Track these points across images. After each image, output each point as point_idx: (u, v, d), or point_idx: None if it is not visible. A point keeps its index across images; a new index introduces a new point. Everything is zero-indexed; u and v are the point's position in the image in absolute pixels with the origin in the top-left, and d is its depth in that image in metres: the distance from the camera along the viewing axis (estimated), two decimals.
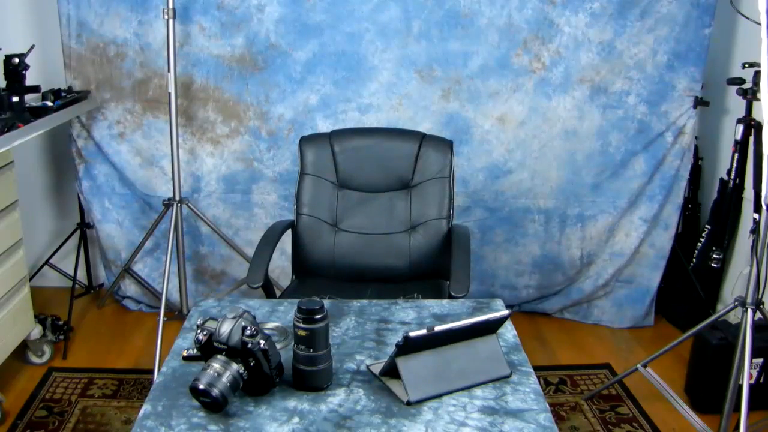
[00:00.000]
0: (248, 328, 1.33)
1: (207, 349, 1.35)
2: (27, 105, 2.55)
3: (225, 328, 1.33)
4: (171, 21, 2.68)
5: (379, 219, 2.38)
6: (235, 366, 1.33)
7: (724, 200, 3.03)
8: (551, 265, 3.22)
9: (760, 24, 1.87)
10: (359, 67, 2.95)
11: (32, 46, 2.62)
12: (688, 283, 3.12)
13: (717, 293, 3.13)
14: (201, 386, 1.29)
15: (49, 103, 2.64)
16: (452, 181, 2.35)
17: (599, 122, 3.01)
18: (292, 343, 1.41)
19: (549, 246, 3.19)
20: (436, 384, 1.40)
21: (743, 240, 2.98)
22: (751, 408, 2.08)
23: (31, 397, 2.55)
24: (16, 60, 2.52)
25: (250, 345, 1.32)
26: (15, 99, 2.45)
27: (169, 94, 2.77)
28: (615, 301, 3.24)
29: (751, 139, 2.82)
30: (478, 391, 1.42)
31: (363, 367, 1.50)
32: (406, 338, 1.35)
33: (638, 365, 2.54)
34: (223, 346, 1.33)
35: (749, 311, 2.14)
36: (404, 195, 2.39)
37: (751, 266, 2.14)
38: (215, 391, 1.29)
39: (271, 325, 1.66)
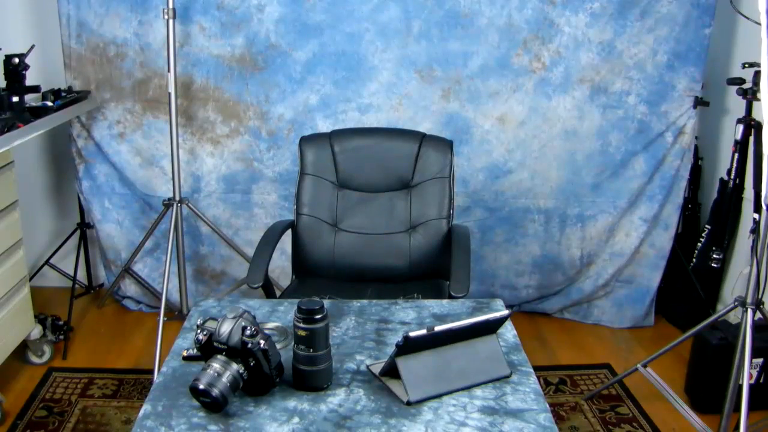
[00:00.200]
0: (248, 328, 1.33)
1: (207, 349, 1.35)
2: (27, 105, 2.55)
3: (225, 328, 1.33)
4: (171, 21, 2.68)
5: (379, 219, 2.38)
6: (235, 366, 1.33)
7: (724, 200, 3.03)
8: (551, 265, 3.22)
9: (760, 24, 1.87)
10: (359, 67, 2.95)
11: (32, 46, 2.62)
12: (688, 283, 3.12)
13: (717, 293, 3.12)
14: (201, 386, 1.29)
15: (49, 103, 2.64)
16: (452, 181, 2.35)
17: (599, 122, 3.01)
18: (292, 343, 1.41)
19: (549, 246, 3.19)
20: (436, 384, 1.40)
21: (743, 240, 2.98)
22: (751, 408, 2.08)
23: (31, 397, 2.55)
24: (16, 60, 2.52)
25: (250, 345, 1.32)
26: (15, 99, 2.45)
27: (169, 94, 2.77)
28: (615, 301, 3.24)
29: (751, 139, 2.82)
30: (478, 391, 1.42)
31: (363, 367, 1.50)
32: (406, 338, 1.35)
33: (638, 365, 2.54)
34: (223, 346, 1.33)
35: (749, 311, 2.14)
36: (404, 195, 2.39)
37: (751, 266, 2.14)
38: (215, 391, 1.29)
39: (271, 325, 1.66)
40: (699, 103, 2.97)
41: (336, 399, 1.39)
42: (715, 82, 3.06)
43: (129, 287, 3.28)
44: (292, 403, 1.37)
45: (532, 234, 3.18)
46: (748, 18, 2.65)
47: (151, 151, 3.08)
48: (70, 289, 3.12)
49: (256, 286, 2.01)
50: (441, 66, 2.95)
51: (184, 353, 1.51)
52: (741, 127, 2.85)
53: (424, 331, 1.37)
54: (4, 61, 2.54)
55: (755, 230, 2.14)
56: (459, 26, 2.90)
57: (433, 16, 2.89)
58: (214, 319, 1.37)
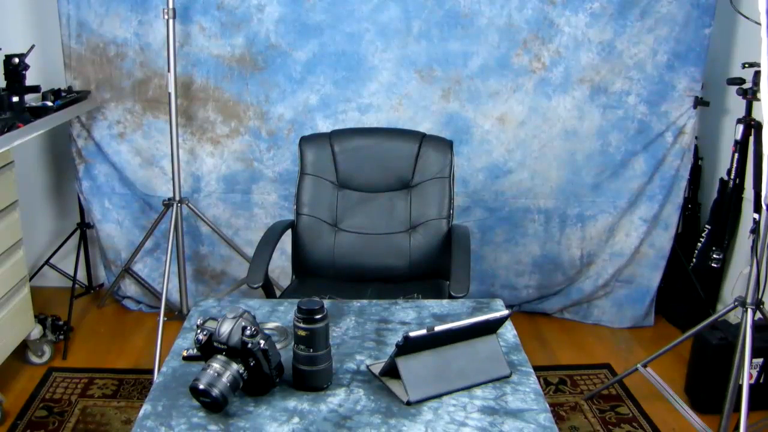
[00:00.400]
0: (248, 328, 1.33)
1: (207, 349, 1.35)
2: (27, 105, 2.55)
3: (225, 328, 1.33)
4: (171, 21, 2.68)
5: (379, 219, 2.38)
6: (235, 366, 1.33)
7: (724, 200, 3.03)
8: (551, 265, 3.22)
9: (760, 24, 1.87)
10: (359, 67, 2.95)
11: (32, 46, 2.62)
12: (688, 283, 3.12)
13: (717, 293, 3.12)
14: (201, 386, 1.29)
15: (49, 103, 2.64)
16: (452, 181, 2.35)
17: (599, 122, 3.01)
18: (292, 343, 1.41)
19: (549, 246, 3.19)
20: (436, 384, 1.40)
21: (743, 240, 2.98)
22: (751, 408, 2.08)
23: (31, 397, 2.55)
24: (16, 60, 2.52)
25: (250, 345, 1.32)
26: (15, 99, 2.45)
27: (169, 94, 2.77)
28: (615, 301, 3.24)
29: (751, 139, 2.82)
30: (478, 391, 1.42)
31: (363, 367, 1.50)
32: (406, 338, 1.35)
33: (638, 365, 2.54)
34: (223, 346, 1.33)
35: (749, 311, 2.14)
36: (404, 195, 2.39)
37: (751, 266, 2.14)
38: (215, 391, 1.29)
39: (271, 325, 1.66)
40: (699, 103, 2.97)
41: (336, 399, 1.39)
42: (715, 82, 3.06)
43: (129, 287, 3.28)
44: (292, 403, 1.37)
45: (532, 234, 3.18)
46: (748, 18, 2.65)
47: (151, 151, 3.08)
48: (70, 289, 3.12)
49: (256, 286, 2.01)
50: (441, 66, 2.95)
51: (184, 353, 1.51)
52: (741, 127, 2.85)
53: (424, 331, 1.37)
54: (4, 61, 2.54)
55: (755, 230, 2.14)
56: (459, 26, 2.90)
57: (433, 16, 2.89)
58: (214, 319, 1.37)
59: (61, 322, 2.88)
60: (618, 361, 2.89)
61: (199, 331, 1.36)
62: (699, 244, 3.12)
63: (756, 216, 2.17)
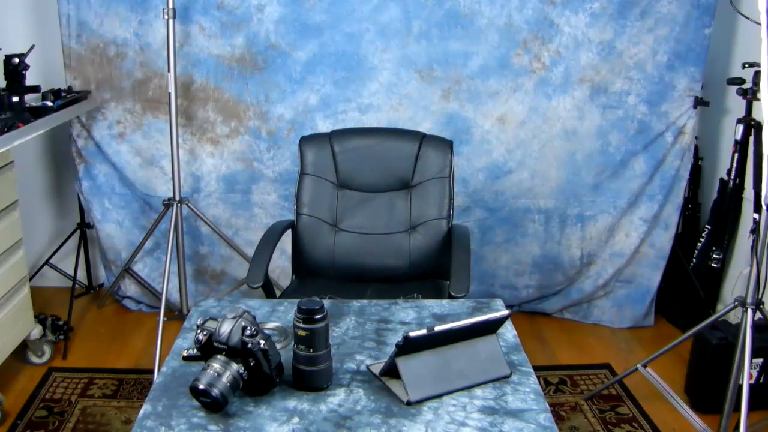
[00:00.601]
0: (248, 328, 1.33)
1: (207, 349, 1.35)
2: (27, 105, 2.55)
3: (225, 328, 1.33)
4: (171, 21, 2.68)
5: (379, 219, 2.38)
6: (235, 366, 1.33)
7: (724, 200, 3.03)
8: (551, 265, 3.22)
9: (760, 24, 1.87)
10: (359, 67, 2.95)
11: (32, 46, 2.62)
12: (688, 283, 3.12)
13: (717, 293, 3.12)
14: (201, 386, 1.29)
15: (49, 103, 2.64)
16: (452, 181, 2.35)
17: (599, 122, 3.01)
18: (292, 343, 1.41)
19: (549, 246, 3.19)
20: (436, 384, 1.40)
21: (743, 240, 2.98)
22: (751, 408, 2.08)
23: (31, 397, 2.55)
24: (16, 60, 2.52)
25: (250, 345, 1.32)
26: (15, 99, 2.45)
27: (169, 94, 2.77)
28: (615, 301, 3.24)
29: (751, 139, 2.82)
30: (478, 391, 1.42)
31: (363, 367, 1.50)
32: (406, 338, 1.35)
33: (638, 365, 2.54)
34: (223, 346, 1.33)
35: (749, 311, 2.14)
36: (404, 195, 2.39)
37: (751, 266, 2.14)
38: (215, 391, 1.29)
39: (271, 325, 1.66)
40: (699, 103, 2.97)
41: (336, 399, 1.39)
42: (715, 82, 3.06)
43: (129, 287, 3.28)
44: (292, 403, 1.37)
45: (532, 234, 3.18)
46: (748, 18, 2.65)
47: (151, 151, 3.08)
48: (70, 289, 3.12)
49: (256, 286, 2.01)
50: (441, 66, 2.95)
51: (184, 353, 1.51)
52: (741, 127, 2.85)
53: (424, 331, 1.37)
54: (4, 61, 2.54)
55: (755, 230, 2.14)
56: (459, 26, 2.90)
57: (433, 16, 2.89)
58: (214, 319, 1.37)
59: (61, 322, 2.88)
60: (618, 361, 2.89)
61: (199, 331, 1.36)
62: (699, 244, 3.12)
63: (756, 216, 2.17)
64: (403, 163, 2.38)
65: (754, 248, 2.12)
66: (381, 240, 2.37)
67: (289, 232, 2.37)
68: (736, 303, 2.21)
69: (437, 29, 2.90)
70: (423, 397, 1.37)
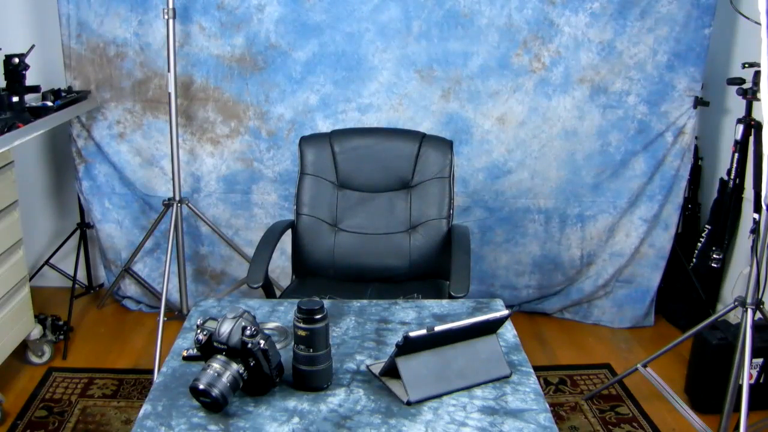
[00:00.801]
0: (248, 328, 1.33)
1: (207, 349, 1.35)
2: (27, 105, 2.55)
3: (225, 328, 1.33)
4: (171, 21, 2.68)
5: (379, 219, 2.38)
6: (235, 366, 1.33)
7: (724, 200, 3.03)
8: (551, 265, 3.22)
9: (760, 24, 1.87)
10: (359, 67, 2.95)
11: (32, 46, 2.62)
12: (688, 283, 3.12)
13: (717, 293, 3.12)
14: (201, 386, 1.29)
15: (49, 103, 2.64)
16: (452, 181, 2.35)
17: (599, 122, 3.01)
18: (292, 343, 1.41)
19: (549, 246, 3.19)
20: (436, 384, 1.40)
21: (743, 240, 2.98)
22: (751, 408, 2.08)
23: (31, 397, 2.55)
24: (16, 60, 2.52)
25: (250, 345, 1.32)
26: (15, 99, 2.45)
27: (169, 94, 2.77)
28: (615, 301, 3.24)
29: (751, 139, 2.82)
30: (478, 391, 1.42)
31: (363, 367, 1.50)
32: (406, 338, 1.35)
33: (638, 365, 2.54)
34: (223, 346, 1.33)
35: (749, 311, 2.14)
36: (404, 195, 2.39)
37: (751, 266, 2.14)
38: (215, 391, 1.29)
39: (271, 325, 1.66)
40: (699, 103, 2.97)
41: (336, 399, 1.39)
42: (715, 82, 3.06)
43: (129, 287, 3.28)
44: (292, 403, 1.37)
45: (532, 234, 3.18)
46: (748, 18, 2.65)
47: (151, 151, 3.08)
48: (70, 289, 3.12)
49: (256, 286, 2.01)
50: (441, 66, 2.95)
51: (184, 353, 1.51)
52: (741, 127, 2.85)
53: (424, 331, 1.37)
54: (4, 61, 2.54)
55: (755, 230, 2.14)
56: (459, 26, 2.90)
57: (433, 16, 2.89)
58: (214, 319, 1.37)
59: (61, 322, 2.88)
60: (618, 361, 2.89)
61: (199, 331, 1.36)
62: (699, 244, 3.12)
63: (756, 216, 2.17)
64: (403, 163, 2.38)
65: (754, 248, 2.12)
66: (381, 240, 2.37)
67: (289, 232, 2.37)
68: (736, 303, 2.21)
69: (437, 29, 2.90)
70: (423, 397, 1.37)
